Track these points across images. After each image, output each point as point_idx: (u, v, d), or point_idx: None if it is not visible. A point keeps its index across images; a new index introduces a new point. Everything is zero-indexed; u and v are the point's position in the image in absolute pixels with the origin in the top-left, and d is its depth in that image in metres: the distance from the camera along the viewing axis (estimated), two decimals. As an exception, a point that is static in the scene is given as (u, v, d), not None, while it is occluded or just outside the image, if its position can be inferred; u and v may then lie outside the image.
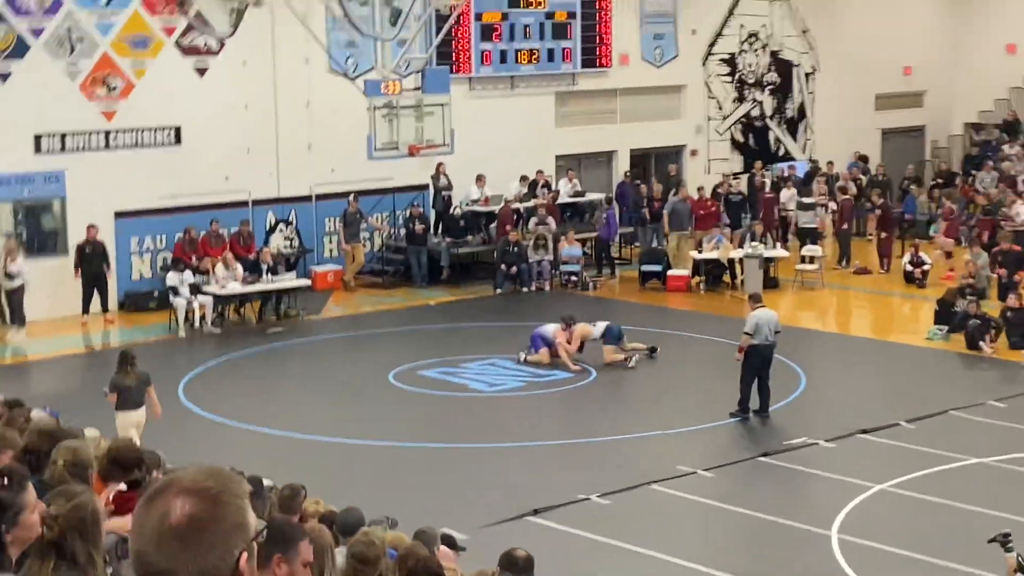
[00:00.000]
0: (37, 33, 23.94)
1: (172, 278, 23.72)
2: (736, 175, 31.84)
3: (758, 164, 32.31)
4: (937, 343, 21.72)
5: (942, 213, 28.40)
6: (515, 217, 27.50)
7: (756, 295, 18.92)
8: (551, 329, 20.74)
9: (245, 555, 2.31)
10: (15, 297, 23.09)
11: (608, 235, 27.95)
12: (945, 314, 22.44)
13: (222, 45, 25.35)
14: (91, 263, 23.89)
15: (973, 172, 33.24)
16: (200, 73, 25.73)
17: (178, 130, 25.47)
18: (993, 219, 28.85)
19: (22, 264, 23.10)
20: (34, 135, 24.03)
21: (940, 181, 33.81)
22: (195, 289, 23.70)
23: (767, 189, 30.16)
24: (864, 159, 33.97)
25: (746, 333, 17.68)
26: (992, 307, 22.50)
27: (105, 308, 24.21)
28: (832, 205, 29.28)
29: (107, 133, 24.80)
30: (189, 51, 25.54)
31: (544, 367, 20.42)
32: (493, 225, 28.12)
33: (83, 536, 4.38)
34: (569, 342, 20.52)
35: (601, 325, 20.85)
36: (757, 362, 17.61)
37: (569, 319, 20.77)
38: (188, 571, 2.26)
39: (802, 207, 28.86)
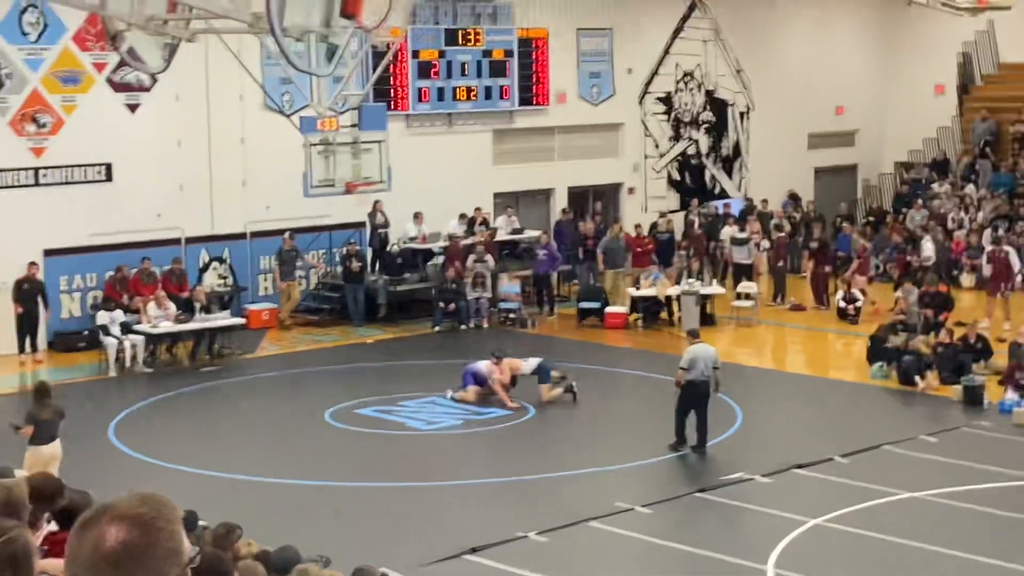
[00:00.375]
0: (-34, 69, 23.66)
1: (103, 317, 23.41)
2: (673, 212, 32.00)
3: (694, 202, 32.57)
4: (879, 381, 21.74)
5: (856, 251, 28.60)
6: (464, 253, 27.44)
7: (694, 330, 19.13)
8: (483, 365, 20.67)
9: (179, 581, 2.27)
10: None
11: (546, 271, 27.92)
12: (878, 350, 22.62)
13: (155, 81, 25.16)
14: (26, 301, 23.54)
15: (904, 210, 33.62)
16: (132, 109, 25.51)
17: (109, 167, 25.20)
18: (901, 256, 29.20)
19: None
20: (-38, 172, 23.72)
21: (872, 219, 34.16)
22: (126, 328, 23.39)
23: (695, 227, 30.45)
24: (795, 197, 34.29)
25: (681, 368, 17.79)
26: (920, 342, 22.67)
27: (34, 348, 23.82)
28: (765, 243, 29.47)
29: (36, 170, 24.49)
30: (121, 87, 25.33)
31: (477, 404, 20.31)
32: (431, 262, 28.07)
33: (15, 572, 4.25)
34: (501, 375, 20.46)
35: (533, 361, 20.78)
36: (693, 397, 17.67)
37: (499, 352, 20.74)
38: None
39: (736, 242, 29.06)
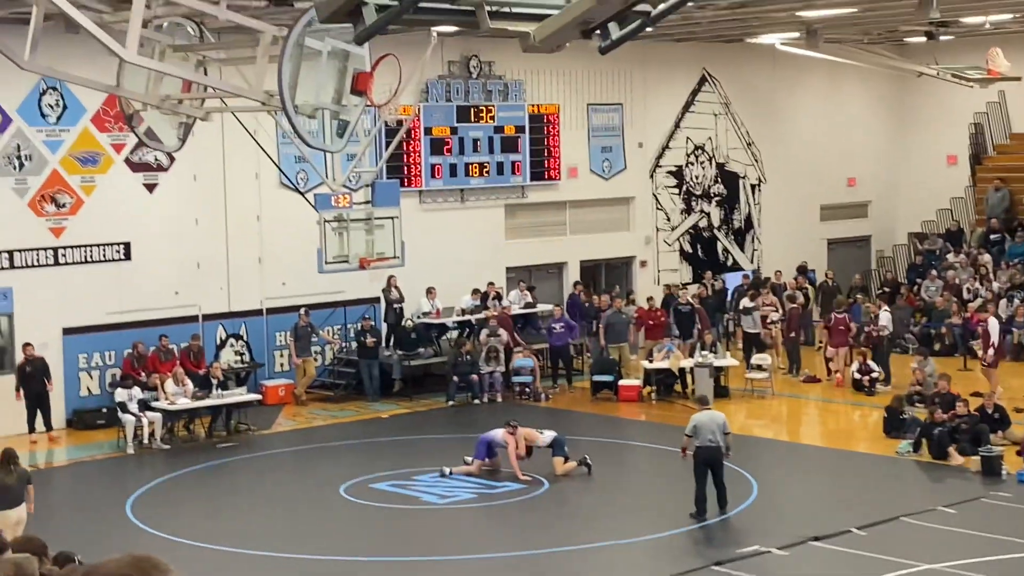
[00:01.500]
0: (-14, 151, 24.01)
1: (121, 394, 23.52)
2: (686, 285, 32.11)
3: (708, 275, 32.70)
4: (909, 457, 21.45)
5: (833, 323, 28.48)
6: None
7: (703, 398, 19.37)
8: (499, 434, 20.69)
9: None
10: None
11: (563, 344, 27.91)
12: (894, 421, 22.59)
13: (172, 160, 25.48)
14: (32, 381, 23.66)
15: (918, 281, 33.68)
16: (150, 188, 25.82)
17: (127, 245, 25.46)
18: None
19: None
20: (-19, 252, 23.99)
21: (886, 290, 34.21)
22: (144, 405, 23.51)
23: (708, 298, 30.50)
24: (803, 269, 34.23)
25: (686, 435, 18.05)
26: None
27: (48, 427, 23.92)
28: (775, 314, 29.37)
29: (56, 249, 24.76)
30: (139, 167, 25.66)
31: (483, 477, 20.32)
32: (444, 337, 28.21)
33: None
34: (516, 446, 20.48)
35: (549, 435, 20.80)
36: (705, 462, 17.86)
37: (514, 422, 20.78)
38: None
39: (745, 312, 29.10)
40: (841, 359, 27.67)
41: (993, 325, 25.70)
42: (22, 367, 23.68)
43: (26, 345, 23.75)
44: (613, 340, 28.04)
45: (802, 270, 34.22)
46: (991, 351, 25.18)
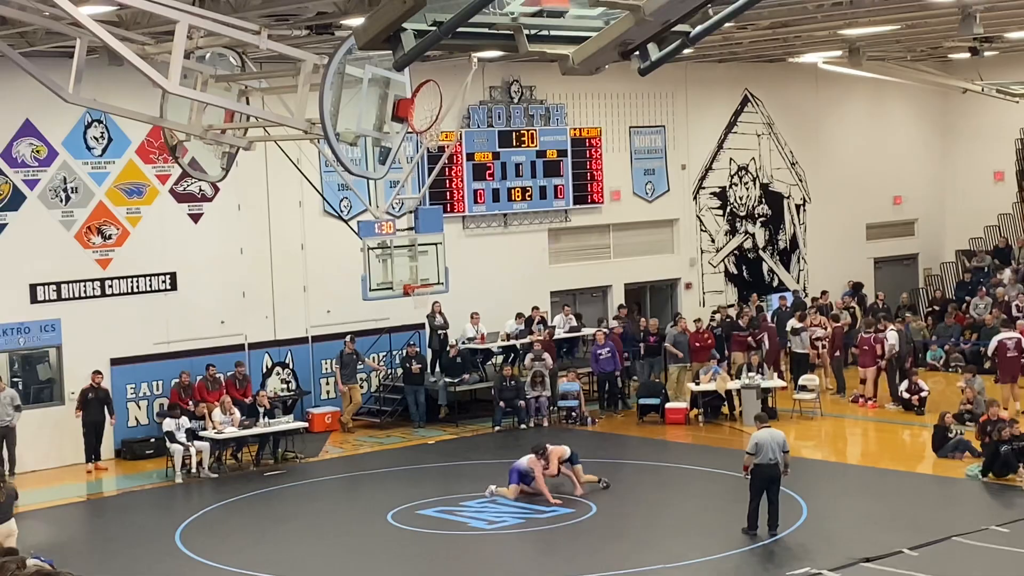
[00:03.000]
0: (32, 184, 24.23)
1: (169, 424, 23.63)
2: (730, 306, 31.96)
3: (754, 296, 32.53)
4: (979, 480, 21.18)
5: (859, 343, 28.26)
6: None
7: (761, 415, 19.58)
8: (524, 463, 20.64)
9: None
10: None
11: (608, 369, 27.76)
12: (941, 440, 22.37)
13: (216, 191, 25.66)
14: (93, 409, 23.85)
15: (967, 299, 33.37)
16: (195, 219, 25.99)
17: (173, 275, 25.63)
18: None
19: None
20: (29, 284, 24.18)
21: (934, 308, 33.93)
22: (192, 435, 23.61)
23: (768, 320, 30.17)
24: (858, 287, 34.09)
25: (748, 452, 18.10)
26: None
27: (97, 456, 24.07)
28: (819, 331, 29.11)
29: (102, 281, 24.95)
30: (183, 198, 25.84)
31: (542, 503, 20.25)
32: (489, 362, 28.18)
33: None
34: (547, 468, 20.40)
35: (567, 449, 20.88)
36: (762, 481, 17.92)
37: (540, 448, 20.71)
38: None
39: (794, 332, 28.88)
40: (871, 380, 27.48)
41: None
42: (85, 392, 23.87)
43: (95, 373, 23.95)
44: (674, 360, 27.92)
45: (856, 288, 33.98)
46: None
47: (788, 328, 29.54)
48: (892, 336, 27.69)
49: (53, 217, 24.48)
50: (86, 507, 22.11)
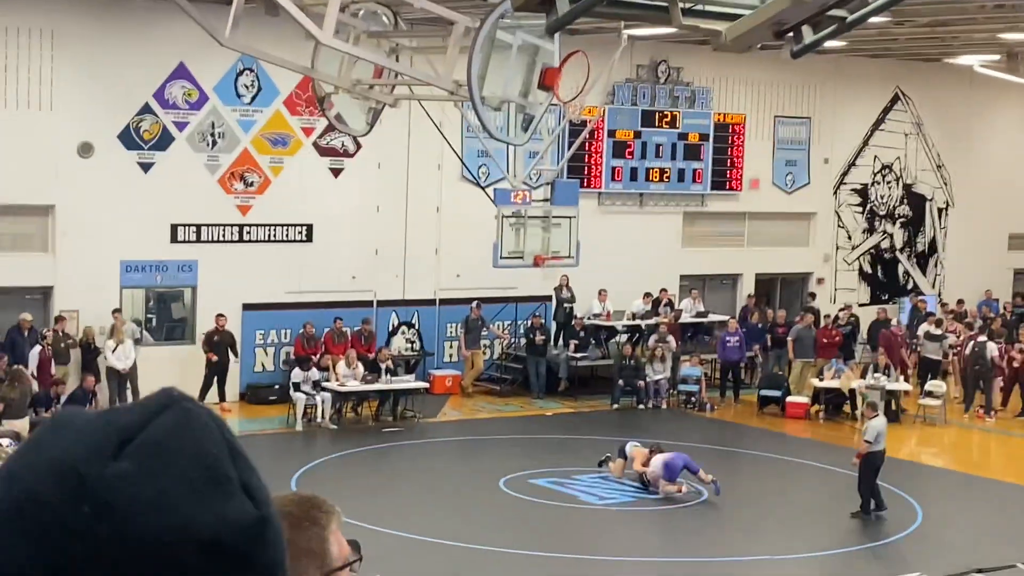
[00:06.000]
0: (181, 127, 24.76)
1: (297, 375, 24.02)
2: (862, 306, 31.49)
3: (913, 297, 32.11)
4: None
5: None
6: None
7: (873, 403, 19.53)
8: (628, 448, 20.39)
9: (319, 584, 2.34)
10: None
11: (734, 358, 27.53)
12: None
13: (358, 147, 25.97)
14: (218, 351, 24.36)
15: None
16: (335, 173, 26.34)
17: (310, 228, 26.01)
18: None
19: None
20: (171, 224, 24.73)
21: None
22: (316, 386, 24.00)
23: (895, 324, 29.66)
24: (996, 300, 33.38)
25: (867, 440, 18.24)
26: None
27: (222, 398, 24.58)
28: (952, 338, 28.55)
29: (241, 227, 25.42)
30: (326, 152, 26.20)
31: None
32: (613, 340, 28.15)
33: None
34: (645, 465, 19.98)
35: (661, 460, 19.81)
36: (876, 468, 18.14)
37: (654, 447, 20.16)
38: None
39: (930, 338, 28.29)
40: (997, 392, 26.97)
41: None
42: (210, 335, 24.40)
43: (219, 316, 24.46)
44: (800, 355, 27.65)
45: (995, 300, 33.23)
46: None
47: (921, 332, 29.01)
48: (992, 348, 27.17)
49: (199, 160, 24.99)
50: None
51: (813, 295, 31.71)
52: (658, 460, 19.68)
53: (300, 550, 2.36)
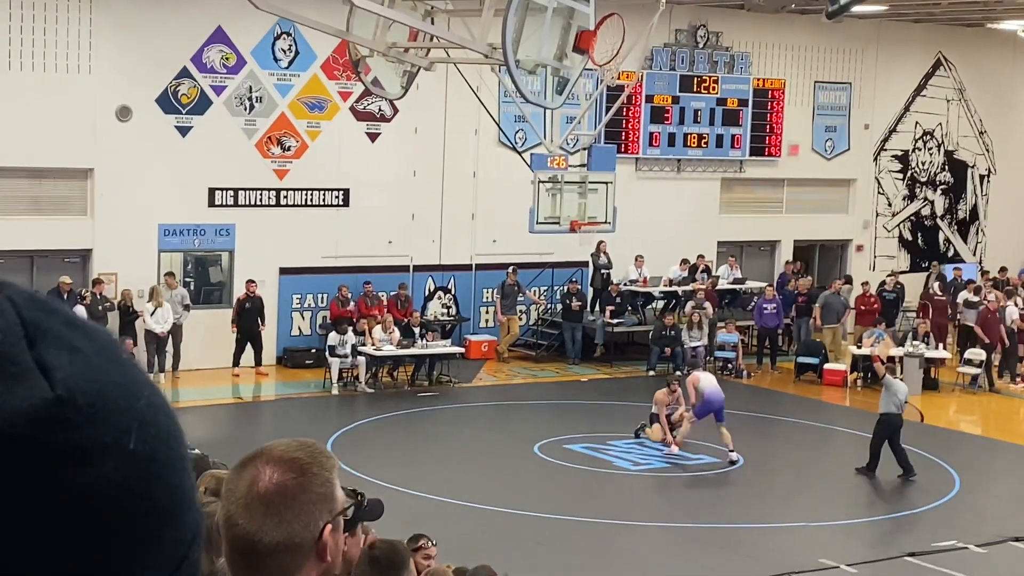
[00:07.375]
0: (219, 91, 24.79)
1: (333, 338, 24.08)
2: (902, 273, 31.25)
3: (935, 265, 31.75)
4: None
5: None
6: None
7: (892, 366, 20.47)
8: (658, 396, 20.32)
9: (329, 527, 2.37)
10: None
11: (772, 324, 27.39)
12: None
13: (395, 111, 25.93)
14: (248, 318, 24.46)
15: None
16: (372, 138, 26.33)
17: (347, 192, 26.03)
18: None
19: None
20: (208, 188, 24.80)
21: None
22: (353, 350, 24.06)
23: (937, 291, 29.41)
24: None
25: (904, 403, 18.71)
26: None
27: (259, 362, 24.69)
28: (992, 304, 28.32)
29: (278, 191, 25.46)
30: (363, 116, 26.18)
31: (690, 450, 20.14)
32: (650, 306, 28.05)
33: (207, 547, 4.46)
34: (679, 402, 19.99)
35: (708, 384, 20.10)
36: (890, 429, 18.43)
37: (676, 379, 20.36)
38: (272, 536, 2.33)
39: (968, 305, 28.06)
40: None
41: None
42: (241, 302, 24.49)
43: (249, 282, 24.52)
44: (827, 321, 27.49)
45: None
46: None
47: (961, 300, 28.77)
48: (1012, 311, 26.94)
49: (236, 124, 25.02)
50: (237, 409, 22.76)
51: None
52: (709, 381, 19.85)
53: (315, 495, 2.40)
